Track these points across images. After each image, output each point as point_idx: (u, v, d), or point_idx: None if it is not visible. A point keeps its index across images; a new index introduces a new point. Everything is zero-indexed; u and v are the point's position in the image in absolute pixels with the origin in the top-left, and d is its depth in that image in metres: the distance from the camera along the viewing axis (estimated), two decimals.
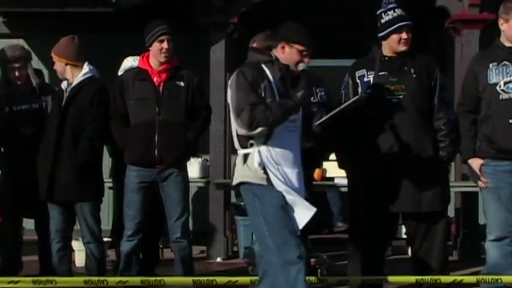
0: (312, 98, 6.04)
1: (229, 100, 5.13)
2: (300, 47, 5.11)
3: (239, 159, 5.15)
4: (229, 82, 5.20)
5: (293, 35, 5.13)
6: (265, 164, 4.99)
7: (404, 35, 5.91)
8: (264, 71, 5.10)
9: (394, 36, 5.92)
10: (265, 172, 5.01)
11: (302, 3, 9.23)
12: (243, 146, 5.12)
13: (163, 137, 6.26)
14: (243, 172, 5.10)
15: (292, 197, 5.00)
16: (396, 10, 5.95)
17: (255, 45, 6.15)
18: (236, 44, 8.77)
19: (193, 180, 8.06)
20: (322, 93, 6.24)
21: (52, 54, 6.52)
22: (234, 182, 5.19)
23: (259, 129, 4.95)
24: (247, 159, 5.07)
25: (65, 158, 6.33)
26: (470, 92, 5.90)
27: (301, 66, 5.12)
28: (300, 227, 5.02)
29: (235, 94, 5.04)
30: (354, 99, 5.61)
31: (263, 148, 5.01)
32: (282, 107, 4.97)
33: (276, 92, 5.05)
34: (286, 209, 5.00)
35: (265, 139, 5.02)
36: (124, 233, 6.42)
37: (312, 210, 5.02)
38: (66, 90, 6.44)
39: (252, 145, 5.06)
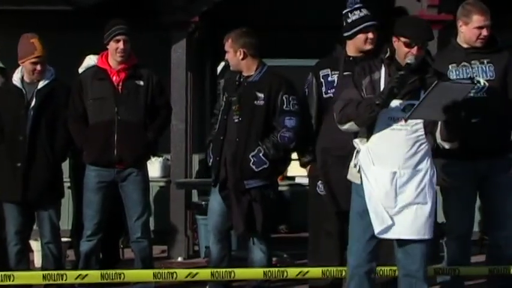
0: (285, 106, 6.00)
1: None
2: (404, 39, 4.92)
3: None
4: None
5: (398, 28, 4.99)
6: (360, 163, 4.99)
7: (370, 35, 5.95)
8: (376, 66, 5.04)
9: (361, 36, 5.96)
10: (359, 171, 5.01)
11: (264, 3, 9.23)
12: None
13: (122, 136, 6.23)
14: (349, 169, 5.12)
15: (369, 203, 4.93)
16: (362, 10, 5.98)
17: (229, 42, 6.12)
18: (197, 43, 8.75)
19: (154, 180, 8.03)
20: (295, 101, 6.09)
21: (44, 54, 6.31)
22: None
23: (347, 125, 4.97)
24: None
25: (41, 158, 6.26)
26: None
27: (408, 59, 4.88)
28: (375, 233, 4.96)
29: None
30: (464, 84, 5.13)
31: (363, 147, 4.99)
32: (366, 103, 4.87)
33: (380, 88, 4.92)
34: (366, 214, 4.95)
35: (367, 138, 4.99)
36: (83, 232, 6.39)
37: (378, 227, 4.93)
38: (33, 90, 6.29)
39: (356, 143, 5.07)
